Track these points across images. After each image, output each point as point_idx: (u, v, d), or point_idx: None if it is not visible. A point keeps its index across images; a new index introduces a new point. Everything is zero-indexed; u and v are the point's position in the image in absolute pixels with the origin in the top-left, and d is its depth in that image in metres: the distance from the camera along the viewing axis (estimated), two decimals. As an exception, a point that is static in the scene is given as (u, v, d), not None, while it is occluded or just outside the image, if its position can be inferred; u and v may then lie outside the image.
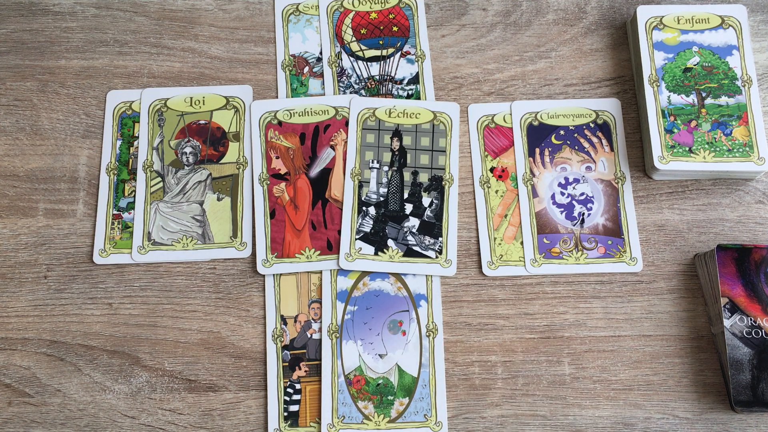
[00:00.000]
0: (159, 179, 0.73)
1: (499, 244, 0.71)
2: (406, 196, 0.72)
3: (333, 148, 0.74)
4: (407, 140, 0.74)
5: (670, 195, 0.73)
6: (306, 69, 0.77)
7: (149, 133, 0.74)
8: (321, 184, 0.73)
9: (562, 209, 0.72)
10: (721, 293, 0.66)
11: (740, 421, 0.67)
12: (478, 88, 0.76)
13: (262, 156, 0.74)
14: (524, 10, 0.79)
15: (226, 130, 0.75)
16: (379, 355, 0.68)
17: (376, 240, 0.71)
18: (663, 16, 0.75)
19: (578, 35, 0.78)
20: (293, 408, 0.67)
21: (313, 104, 0.75)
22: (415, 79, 0.76)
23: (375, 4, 0.79)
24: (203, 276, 0.71)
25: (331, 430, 0.66)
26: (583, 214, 0.72)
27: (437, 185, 0.73)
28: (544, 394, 0.68)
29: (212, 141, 0.74)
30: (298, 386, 0.68)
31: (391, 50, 0.78)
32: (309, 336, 0.69)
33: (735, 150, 0.71)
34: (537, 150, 0.74)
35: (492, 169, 0.74)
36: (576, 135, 0.75)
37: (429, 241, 0.71)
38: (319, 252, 0.71)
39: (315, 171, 0.73)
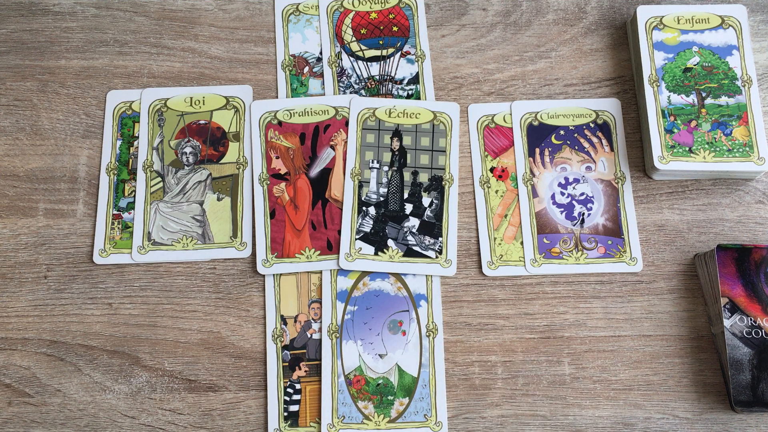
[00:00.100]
0: (159, 179, 0.73)
1: (499, 244, 0.71)
2: (406, 196, 0.72)
3: (333, 148, 0.74)
4: (407, 140, 0.74)
5: (670, 195, 0.73)
6: (306, 69, 0.77)
7: (149, 133, 0.74)
8: (321, 184, 0.73)
9: (562, 209, 0.72)
10: (721, 293, 0.66)
11: (740, 421, 0.67)
12: (478, 88, 0.76)
13: (262, 156, 0.74)
14: (524, 10, 0.79)
15: (226, 130, 0.75)
16: (379, 355, 0.68)
17: (376, 240, 0.71)
18: (663, 16, 0.75)
19: (578, 35, 0.78)
20: (293, 408, 0.67)
21: (313, 104, 0.75)
22: (415, 79, 0.76)
23: (375, 4, 0.79)
24: (203, 276, 0.71)
25: (331, 430, 0.66)
26: (583, 214, 0.72)
27: (437, 185, 0.73)
28: (544, 394, 0.68)
29: (212, 141, 0.74)
30: (298, 386, 0.68)
31: (391, 50, 0.78)
32: (309, 336, 0.69)
33: (735, 150, 0.71)
34: (537, 150, 0.74)
35: (492, 169, 0.74)
36: (576, 135, 0.75)
37: (429, 241, 0.71)
38: (319, 252, 0.71)
39: (315, 171, 0.73)
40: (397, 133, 0.74)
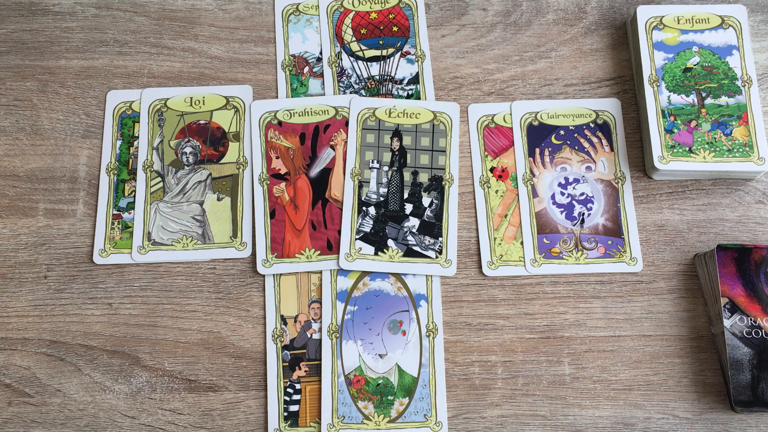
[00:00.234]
0: (159, 179, 0.73)
1: (499, 244, 0.71)
2: (406, 196, 0.72)
3: (333, 148, 0.74)
4: (407, 140, 0.74)
5: (670, 195, 0.73)
6: (306, 69, 0.77)
7: (149, 133, 0.74)
8: (321, 184, 0.73)
9: (562, 209, 0.72)
10: (721, 293, 0.66)
11: (740, 421, 0.67)
12: (478, 88, 0.76)
13: (262, 156, 0.74)
14: (524, 10, 0.79)
15: (226, 130, 0.75)
16: (379, 355, 0.68)
17: (376, 240, 0.71)
18: (663, 16, 0.75)
19: (578, 35, 0.78)
20: (293, 408, 0.67)
21: (313, 104, 0.75)
22: (415, 79, 0.76)
23: (375, 4, 0.79)
24: (203, 276, 0.71)
25: (331, 430, 0.66)
26: (583, 214, 0.72)
27: (437, 185, 0.73)
28: (544, 394, 0.68)
29: (212, 141, 0.74)
30: (298, 386, 0.68)
31: (391, 50, 0.78)
32: (309, 336, 0.69)
33: (735, 150, 0.71)
34: (537, 150, 0.74)
35: (492, 169, 0.74)
36: (576, 135, 0.75)
37: (429, 241, 0.71)
38: (319, 252, 0.71)
39: (315, 171, 0.73)
40: (397, 133, 0.74)
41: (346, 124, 0.74)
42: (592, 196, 0.73)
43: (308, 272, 0.71)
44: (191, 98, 0.76)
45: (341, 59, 0.77)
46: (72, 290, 0.70)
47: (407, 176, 0.73)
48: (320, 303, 0.70)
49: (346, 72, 0.77)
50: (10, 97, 0.76)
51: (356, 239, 0.71)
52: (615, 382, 0.68)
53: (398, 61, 0.77)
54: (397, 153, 0.74)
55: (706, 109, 0.72)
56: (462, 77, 0.77)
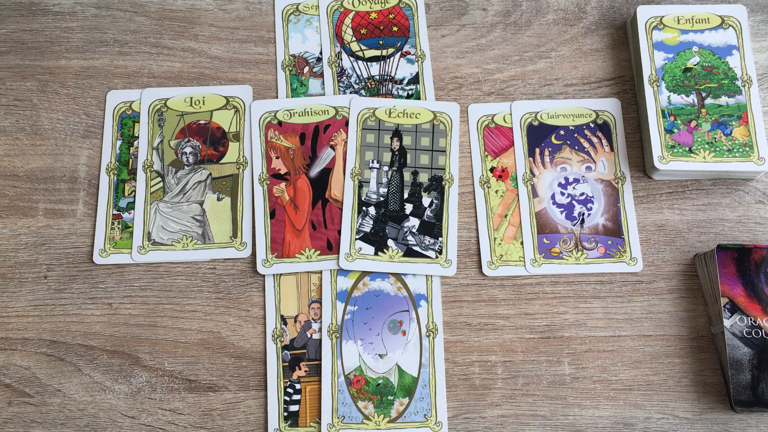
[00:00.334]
0: (159, 179, 0.73)
1: (499, 244, 0.71)
2: (406, 196, 0.72)
3: (333, 148, 0.74)
4: (407, 140, 0.74)
5: (670, 195, 0.73)
6: (306, 69, 0.77)
7: (149, 133, 0.74)
8: (321, 184, 0.73)
9: (562, 209, 0.72)
10: (721, 293, 0.66)
11: (740, 421, 0.67)
12: (478, 88, 0.76)
13: (262, 156, 0.74)
14: (524, 10, 0.79)
15: (226, 130, 0.75)
16: (379, 355, 0.68)
17: (376, 240, 0.71)
18: (663, 16, 0.75)
19: (578, 35, 0.78)
20: (293, 408, 0.67)
21: (313, 104, 0.75)
22: (415, 79, 0.76)
23: (375, 4, 0.79)
24: (203, 276, 0.71)
25: (331, 430, 0.66)
26: (583, 214, 0.72)
27: (437, 185, 0.73)
28: (544, 394, 0.68)
29: (212, 141, 0.74)
30: (298, 386, 0.68)
31: (391, 50, 0.78)
32: (309, 336, 0.69)
33: (735, 150, 0.71)
34: (537, 150, 0.74)
35: (492, 169, 0.74)
36: (576, 135, 0.75)
37: (429, 241, 0.71)
38: (319, 252, 0.71)
39: (315, 171, 0.73)
40: (397, 133, 0.74)
41: (346, 124, 0.74)
42: (592, 196, 0.73)
43: (308, 272, 0.71)
44: (191, 98, 0.76)
45: (341, 59, 0.77)
46: (72, 290, 0.70)
47: (407, 176, 0.73)
48: (320, 303, 0.70)
49: (346, 72, 0.77)
50: (10, 97, 0.76)
51: (356, 239, 0.71)
52: (615, 382, 0.68)
53: (398, 61, 0.77)
54: (397, 153, 0.74)
55: (706, 109, 0.72)
56: (462, 77, 0.77)
